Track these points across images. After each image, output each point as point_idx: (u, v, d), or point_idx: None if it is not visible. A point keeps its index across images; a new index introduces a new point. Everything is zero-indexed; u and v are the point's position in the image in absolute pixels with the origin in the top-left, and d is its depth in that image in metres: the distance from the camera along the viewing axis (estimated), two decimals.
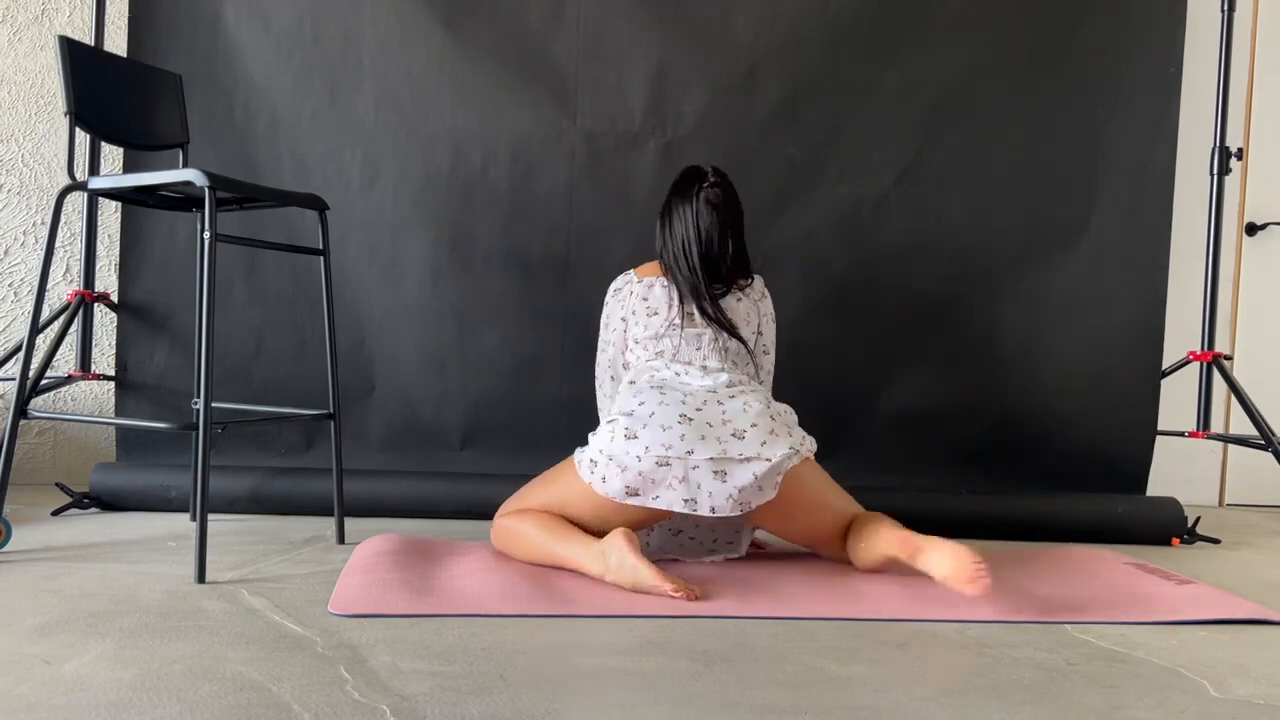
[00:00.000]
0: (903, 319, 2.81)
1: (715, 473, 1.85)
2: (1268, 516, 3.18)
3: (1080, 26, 2.80)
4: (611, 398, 2.22)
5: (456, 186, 2.78)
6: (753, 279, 2.24)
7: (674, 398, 1.94)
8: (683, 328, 2.12)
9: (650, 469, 1.85)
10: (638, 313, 2.17)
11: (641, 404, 1.94)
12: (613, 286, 2.27)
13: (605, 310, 2.27)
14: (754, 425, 1.89)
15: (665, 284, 2.18)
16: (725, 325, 2.13)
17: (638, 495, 1.86)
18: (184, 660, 1.35)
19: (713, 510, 1.85)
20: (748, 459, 1.85)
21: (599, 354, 2.28)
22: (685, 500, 1.85)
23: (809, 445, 1.97)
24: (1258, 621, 1.73)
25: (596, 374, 2.30)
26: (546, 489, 2.01)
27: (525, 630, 1.54)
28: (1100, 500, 2.63)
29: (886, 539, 1.84)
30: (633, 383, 2.04)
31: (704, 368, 2.07)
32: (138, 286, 2.77)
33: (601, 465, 1.90)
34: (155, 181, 1.96)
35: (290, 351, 2.79)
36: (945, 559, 1.71)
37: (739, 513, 1.86)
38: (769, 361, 2.27)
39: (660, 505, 1.86)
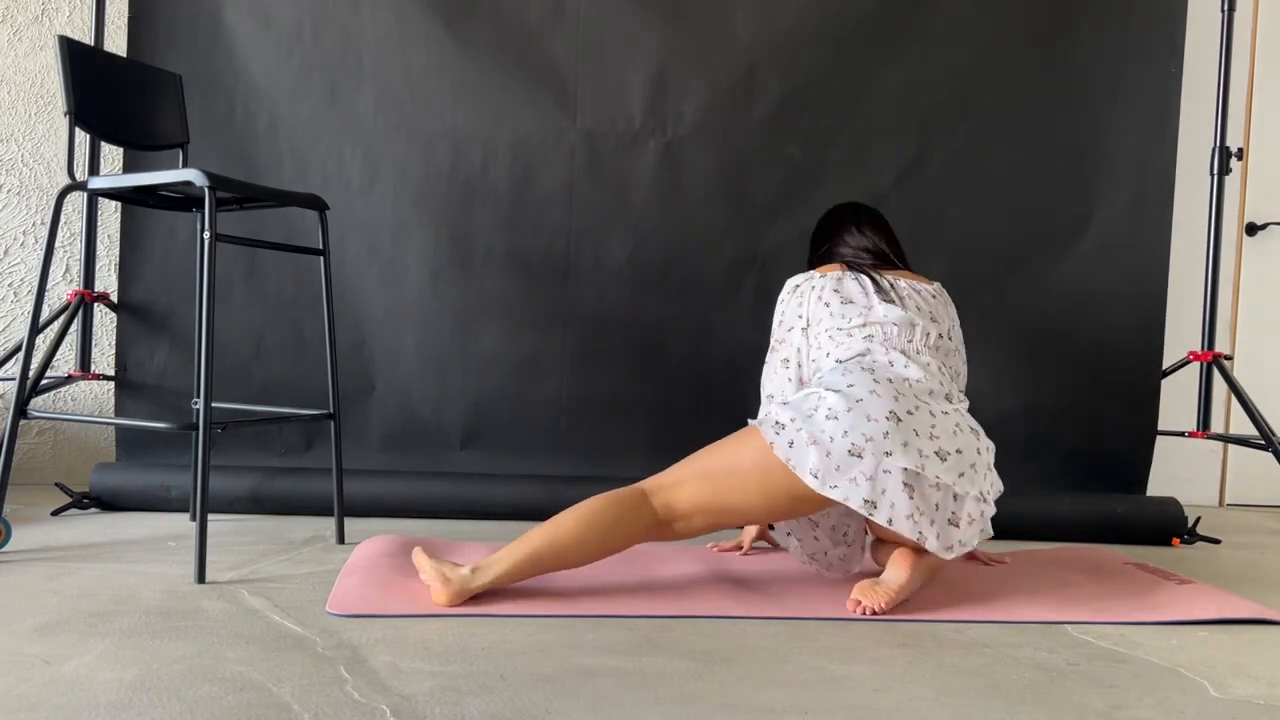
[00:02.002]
0: None
1: (905, 485, 1.67)
2: (1268, 516, 3.18)
3: (1080, 26, 2.80)
4: (780, 397, 2.03)
5: (456, 186, 2.78)
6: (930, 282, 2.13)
7: (888, 390, 1.76)
8: (897, 308, 1.97)
9: (841, 454, 1.68)
10: (831, 304, 2.00)
11: (851, 385, 1.77)
12: (791, 284, 2.10)
13: (781, 309, 2.10)
14: (959, 451, 1.74)
15: (854, 276, 2.04)
16: (925, 309, 2.00)
17: (817, 478, 1.68)
18: (184, 660, 1.34)
19: (889, 522, 1.68)
20: (937, 485, 1.70)
21: (770, 354, 2.10)
22: (865, 501, 1.67)
23: (992, 498, 1.80)
24: (1258, 621, 1.73)
25: (764, 375, 2.10)
26: (720, 450, 1.81)
27: (525, 630, 1.54)
28: (1100, 500, 2.63)
29: (899, 549, 1.84)
30: (840, 361, 1.89)
31: (918, 361, 1.89)
32: (138, 286, 2.77)
33: (790, 431, 1.72)
34: (155, 181, 1.96)
35: (290, 351, 2.79)
36: (889, 568, 1.80)
37: (915, 538, 1.70)
38: (965, 369, 2.09)
39: (835, 497, 1.67)
